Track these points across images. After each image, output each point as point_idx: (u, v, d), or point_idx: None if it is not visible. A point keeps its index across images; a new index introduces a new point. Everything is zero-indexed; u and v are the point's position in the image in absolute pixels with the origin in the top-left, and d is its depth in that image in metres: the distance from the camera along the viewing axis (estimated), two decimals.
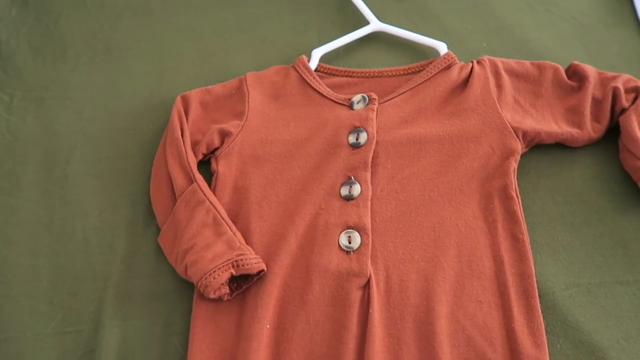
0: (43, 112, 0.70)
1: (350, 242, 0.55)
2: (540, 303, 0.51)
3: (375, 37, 0.73)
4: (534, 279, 0.52)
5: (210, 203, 0.57)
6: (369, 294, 0.52)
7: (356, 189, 0.57)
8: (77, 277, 0.58)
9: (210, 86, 0.67)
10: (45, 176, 0.65)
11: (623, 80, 0.62)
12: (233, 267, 0.52)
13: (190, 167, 0.59)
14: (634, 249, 0.55)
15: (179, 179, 0.59)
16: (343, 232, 0.55)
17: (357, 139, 0.60)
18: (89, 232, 0.61)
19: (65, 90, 0.72)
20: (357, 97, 0.64)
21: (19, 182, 0.65)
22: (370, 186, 0.58)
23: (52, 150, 0.67)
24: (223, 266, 0.51)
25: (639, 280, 0.54)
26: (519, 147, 0.59)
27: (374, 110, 0.62)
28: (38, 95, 0.72)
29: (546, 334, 0.50)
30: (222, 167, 0.61)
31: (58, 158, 0.67)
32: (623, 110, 0.60)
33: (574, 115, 0.61)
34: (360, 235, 0.55)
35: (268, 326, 0.51)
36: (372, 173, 0.59)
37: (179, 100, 0.66)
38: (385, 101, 0.64)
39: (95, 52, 0.75)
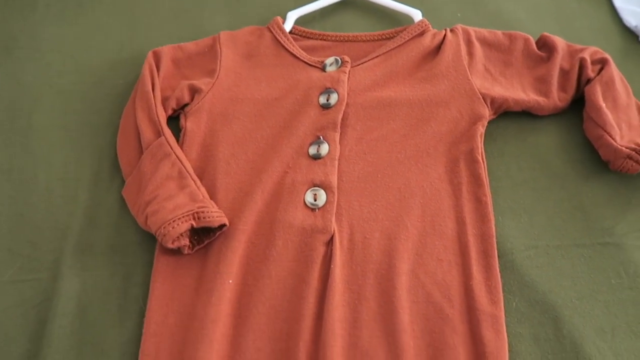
0: (10, 63, 0.69)
1: (315, 200, 0.55)
2: (500, 263, 0.52)
3: (351, 2, 0.73)
4: (494, 240, 0.53)
5: (177, 157, 0.56)
6: (331, 250, 0.52)
7: (324, 149, 0.57)
8: (37, 226, 0.57)
9: (183, 43, 0.67)
10: (8, 125, 0.64)
11: (590, 52, 0.63)
12: (194, 218, 0.51)
13: (159, 121, 0.59)
14: (592, 213, 0.57)
15: (146, 132, 0.58)
16: (309, 190, 0.55)
17: (327, 100, 0.60)
18: (52, 182, 0.60)
19: (34, 41, 0.71)
20: (329, 60, 0.64)
21: None
22: (338, 146, 0.58)
23: (17, 101, 0.66)
24: (183, 216, 0.51)
25: (595, 243, 0.55)
26: (487, 113, 0.60)
27: (345, 72, 0.62)
28: (5, 45, 0.70)
29: (503, 293, 0.51)
30: (191, 124, 0.60)
31: (22, 108, 0.65)
32: (589, 81, 0.62)
33: (541, 84, 0.62)
34: (326, 193, 0.55)
35: (230, 281, 0.51)
36: (341, 134, 0.59)
37: (150, 55, 0.65)
38: (358, 64, 0.64)
39: (67, 4, 0.74)
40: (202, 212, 0.52)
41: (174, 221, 0.50)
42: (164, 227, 0.50)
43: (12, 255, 0.56)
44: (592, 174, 0.59)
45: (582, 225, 0.56)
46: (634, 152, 0.55)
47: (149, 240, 0.56)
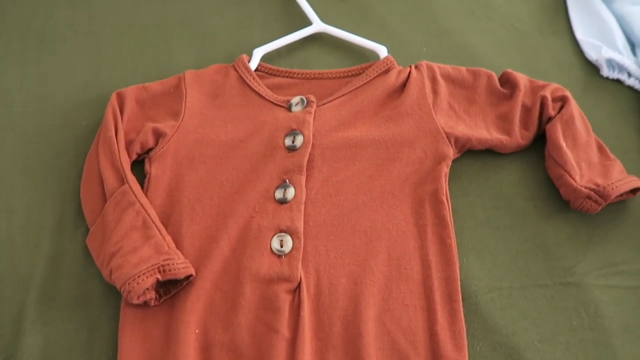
0: None
1: (282, 246, 0.55)
2: (464, 306, 0.53)
3: (317, 38, 0.73)
4: (459, 283, 0.54)
5: (141, 205, 0.56)
6: (299, 297, 0.52)
7: (290, 193, 0.57)
8: None
9: (147, 83, 0.66)
10: None
11: (551, 90, 0.64)
12: (159, 272, 0.51)
13: (123, 168, 0.58)
14: (554, 253, 0.58)
15: (110, 179, 0.58)
16: (275, 236, 0.55)
17: (293, 142, 0.60)
18: (14, 230, 0.59)
19: None
20: (295, 99, 0.64)
21: None
22: (304, 189, 0.58)
23: None
24: (148, 271, 0.50)
25: (557, 283, 0.56)
26: (451, 152, 0.60)
27: (311, 113, 0.62)
28: None
29: (467, 337, 0.51)
30: (155, 169, 0.60)
31: None
32: (549, 119, 0.63)
33: (504, 122, 0.63)
34: (292, 239, 0.55)
35: (197, 331, 0.51)
36: (307, 176, 0.59)
37: (113, 97, 0.64)
38: (324, 104, 0.64)
39: (29, 42, 0.72)
40: (168, 264, 0.51)
41: (138, 277, 0.50)
42: (129, 284, 0.50)
43: None
44: (553, 212, 0.60)
45: (544, 265, 0.57)
46: (592, 192, 0.56)
47: (115, 291, 0.55)
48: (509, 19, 0.76)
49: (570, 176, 0.58)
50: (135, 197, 0.56)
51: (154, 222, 0.55)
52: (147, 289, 0.51)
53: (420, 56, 0.70)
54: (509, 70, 0.66)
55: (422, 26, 0.75)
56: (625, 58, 0.69)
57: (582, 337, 0.53)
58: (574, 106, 0.63)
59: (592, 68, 0.71)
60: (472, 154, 0.63)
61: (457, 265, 0.55)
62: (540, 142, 0.64)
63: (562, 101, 0.63)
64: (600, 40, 0.70)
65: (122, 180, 0.57)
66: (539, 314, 0.54)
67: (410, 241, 0.56)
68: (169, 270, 0.51)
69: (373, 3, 0.77)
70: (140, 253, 0.52)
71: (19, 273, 0.57)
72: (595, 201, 0.56)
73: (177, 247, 0.55)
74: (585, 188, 0.57)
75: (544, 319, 0.54)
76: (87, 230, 0.58)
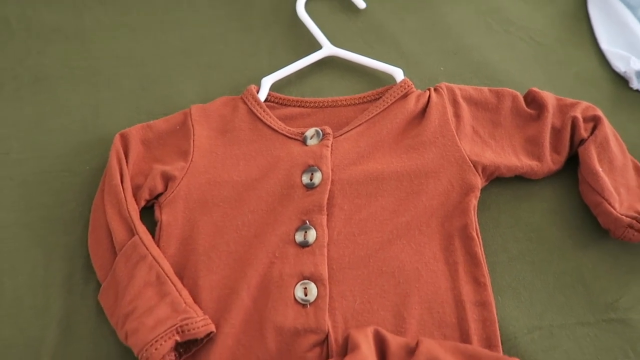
0: None
1: (306, 295, 0.51)
2: (503, 350, 0.50)
3: (329, 62, 0.69)
4: (497, 326, 0.50)
5: (153, 258, 0.52)
6: (327, 350, 0.49)
7: (311, 235, 0.54)
8: (7, 344, 0.53)
9: (152, 121, 0.62)
10: None
11: (582, 109, 0.60)
12: (177, 333, 0.48)
13: (131, 218, 0.54)
14: (594, 287, 0.54)
15: (118, 231, 0.54)
16: (299, 284, 0.52)
17: (311, 179, 0.57)
18: (20, 291, 0.55)
19: None
20: (310, 132, 0.60)
21: None
22: (326, 230, 0.55)
23: None
24: (166, 334, 0.47)
25: (600, 320, 0.53)
26: (479, 181, 0.57)
27: (328, 146, 0.59)
28: None
29: None
30: (167, 216, 0.56)
31: None
32: (582, 141, 0.59)
33: (533, 146, 0.59)
34: (316, 287, 0.52)
35: None
36: (328, 215, 0.55)
37: (117, 139, 0.60)
38: (340, 135, 0.60)
39: (22, 82, 0.68)
40: (186, 324, 0.48)
41: (156, 341, 0.47)
42: (146, 350, 0.47)
43: None
44: (591, 242, 0.57)
45: (584, 300, 0.54)
46: (634, 221, 0.53)
47: (131, 352, 0.51)
48: (528, 32, 0.72)
49: (609, 204, 0.54)
50: (147, 249, 0.53)
51: (168, 276, 0.52)
52: (167, 352, 0.48)
53: (438, 76, 0.67)
54: (535, 88, 0.62)
55: (438, 43, 0.71)
56: None
57: None
58: (607, 126, 0.59)
59: (621, 80, 0.67)
60: (500, 181, 0.59)
61: (494, 306, 0.51)
62: (571, 164, 0.60)
63: (595, 121, 0.59)
64: (627, 50, 0.67)
65: (132, 232, 0.54)
66: (583, 355, 0.51)
67: (441, 281, 0.53)
68: (188, 331, 0.48)
69: (385, 21, 0.73)
70: (156, 313, 0.49)
71: (28, 337, 0.53)
72: (638, 230, 0.53)
73: (195, 301, 0.52)
74: (627, 216, 0.53)
75: None
76: (98, 285, 0.55)
